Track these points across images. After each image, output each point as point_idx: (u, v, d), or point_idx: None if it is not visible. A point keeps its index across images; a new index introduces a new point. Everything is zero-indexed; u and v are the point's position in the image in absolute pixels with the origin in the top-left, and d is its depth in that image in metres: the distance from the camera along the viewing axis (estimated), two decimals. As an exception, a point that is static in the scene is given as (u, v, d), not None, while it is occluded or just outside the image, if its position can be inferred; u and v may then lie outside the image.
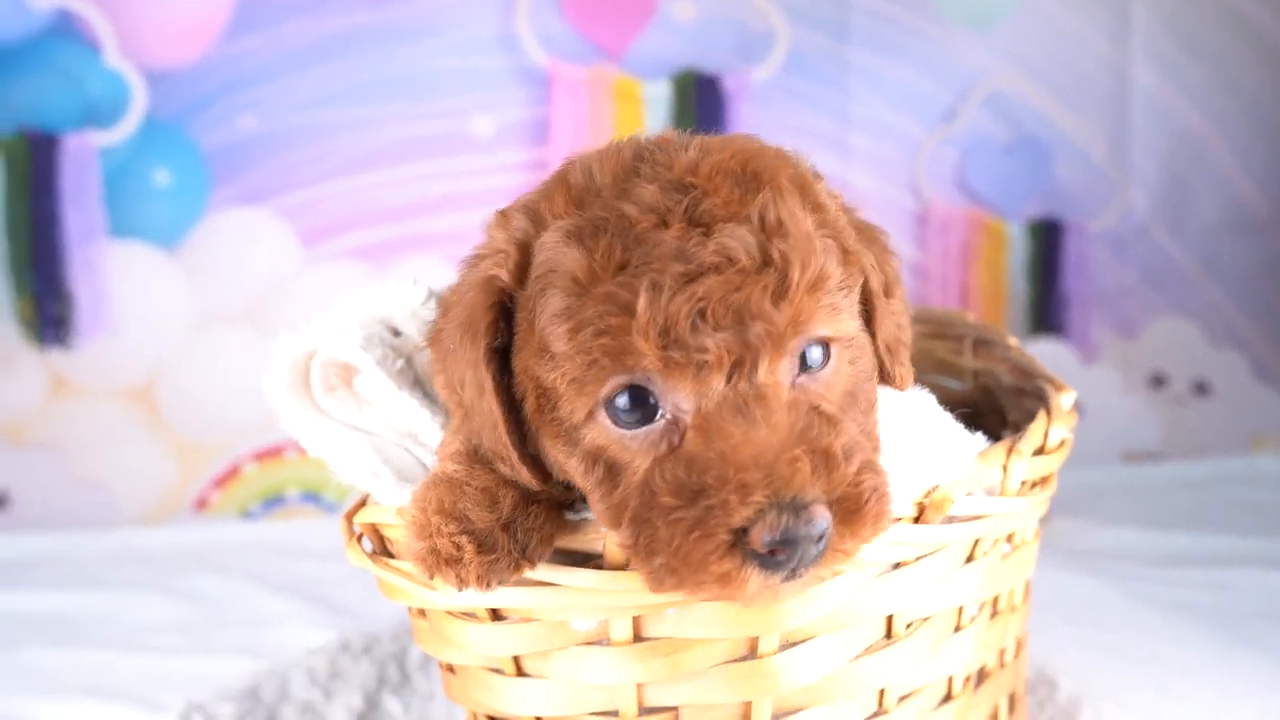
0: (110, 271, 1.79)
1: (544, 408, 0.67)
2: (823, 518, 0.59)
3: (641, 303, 0.61)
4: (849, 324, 0.66)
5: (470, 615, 0.74)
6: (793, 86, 1.94)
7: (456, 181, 1.86)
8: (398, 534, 0.73)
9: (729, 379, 0.62)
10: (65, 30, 1.74)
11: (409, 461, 0.82)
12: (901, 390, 0.73)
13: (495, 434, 0.69)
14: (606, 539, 0.68)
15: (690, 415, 0.62)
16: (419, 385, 0.82)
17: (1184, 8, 2.06)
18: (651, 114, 1.90)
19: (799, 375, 0.64)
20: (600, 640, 0.71)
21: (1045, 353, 2.01)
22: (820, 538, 0.59)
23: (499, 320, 0.68)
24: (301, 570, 1.61)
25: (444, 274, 0.78)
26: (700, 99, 1.90)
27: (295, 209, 1.84)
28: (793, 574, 0.60)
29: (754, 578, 0.60)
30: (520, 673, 0.75)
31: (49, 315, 1.77)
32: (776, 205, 0.63)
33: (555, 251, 0.64)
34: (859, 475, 0.61)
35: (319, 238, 1.85)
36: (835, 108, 1.97)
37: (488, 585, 0.67)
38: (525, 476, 0.69)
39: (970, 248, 2.04)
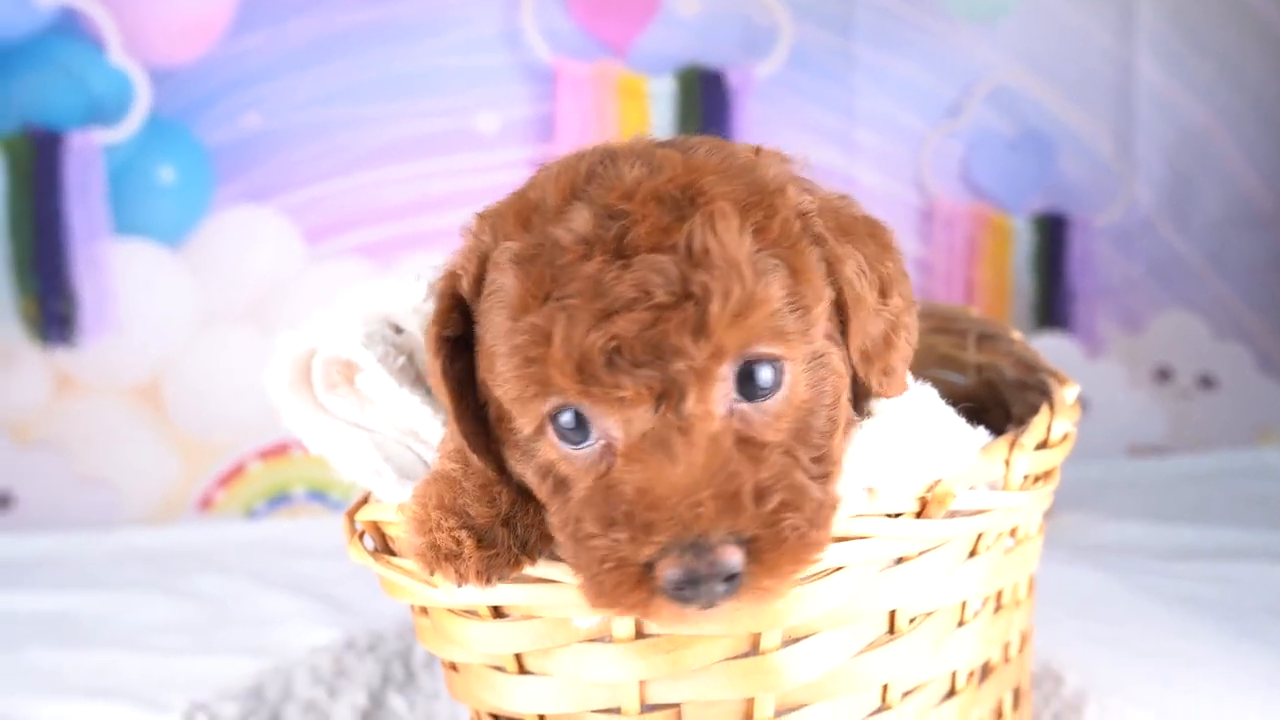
0: (114, 269, 1.79)
1: (502, 418, 0.67)
2: (729, 559, 0.58)
3: (556, 338, 0.60)
4: (802, 345, 0.64)
5: (472, 613, 0.74)
6: (797, 82, 1.94)
7: (461, 179, 1.86)
8: (399, 531, 0.73)
9: (657, 408, 0.61)
10: (69, 28, 1.74)
11: (411, 459, 0.82)
12: (889, 398, 0.71)
13: (456, 436, 0.70)
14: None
15: (620, 442, 0.62)
16: (420, 382, 0.82)
17: (1189, 2, 2.06)
18: (656, 110, 1.90)
19: (741, 401, 0.63)
20: (602, 637, 0.71)
21: (1050, 347, 2.00)
22: (730, 577, 0.59)
23: (457, 326, 0.68)
24: (306, 569, 1.61)
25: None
26: (705, 95, 1.90)
27: (299, 206, 1.84)
28: (709, 604, 0.60)
29: (665, 609, 0.60)
30: (522, 670, 0.74)
31: (53, 313, 1.77)
32: (704, 232, 0.61)
33: (498, 272, 0.65)
34: (776, 514, 0.60)
35: (323, 235, 1.85)
36: (839, 103, 1.97)
37: (488, 581, 0.67)
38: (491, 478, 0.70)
39: (975, 243, 2.04)
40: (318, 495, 1.88)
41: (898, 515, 0.71)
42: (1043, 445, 0.82)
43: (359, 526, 0.78)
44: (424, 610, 0.79)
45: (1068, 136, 2.06)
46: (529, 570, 0.69)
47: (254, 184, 1.82)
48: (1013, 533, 0.85)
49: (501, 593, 0.70)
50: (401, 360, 0.81)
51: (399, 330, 0.83)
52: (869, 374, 0.69)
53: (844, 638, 0.73)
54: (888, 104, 1.98)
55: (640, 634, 0.70)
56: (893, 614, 0.75)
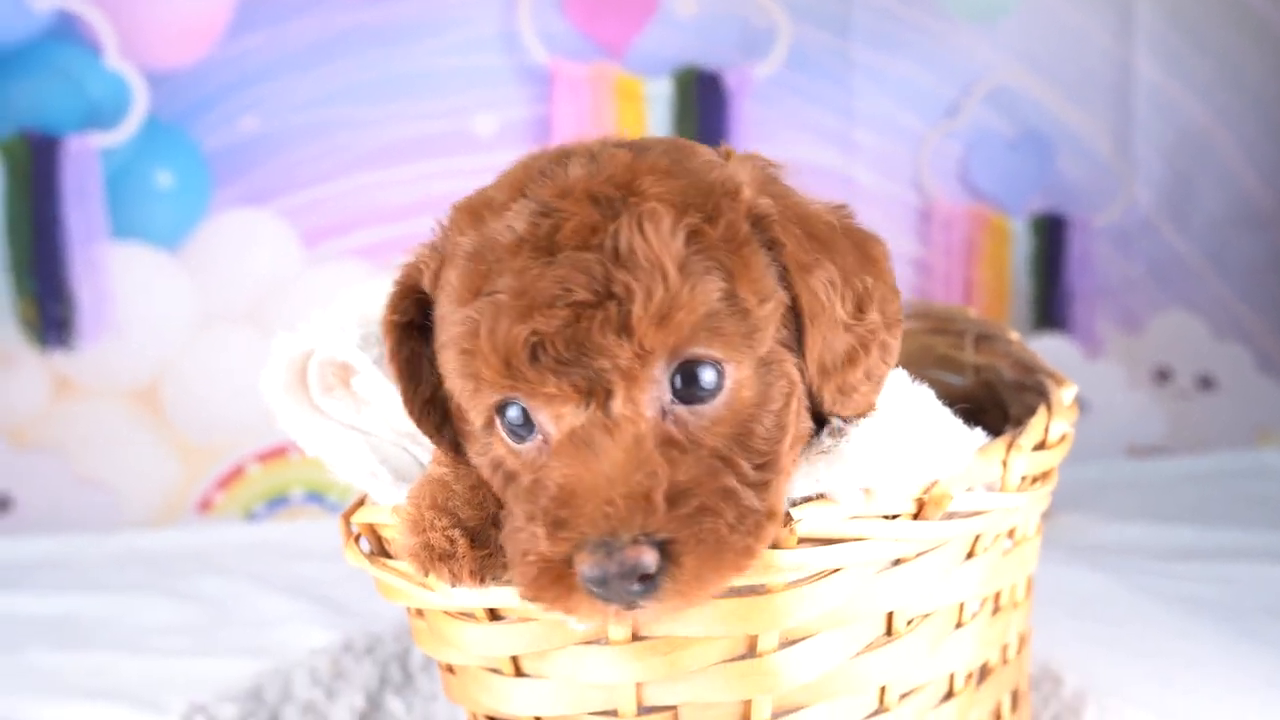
0: (112, 272, 1.79)
1: (460, 413, 0.69)
2: (640, 558, 0.58)
3: (482, 333, 0.62)
4: (744, 349, 0.63)
5: (468, 615, 0.74)
6: (795, 83, 1.94)
7: (458, 180, 1.82)
8: (394, 534, 0.73)
9: (588, 406, 0.61)
10: (66, 32, 1.74)
11: (407, 461, 0.82)
12: (843, 416, 0.69)
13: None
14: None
15: (553, 438, 0.63)
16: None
17: (1188, 1, 2.06)
18: (654, 112, 1.90)
19: (677, 404, 0.63)
20: (598, 639, 0.71)
21: (1049, 348, 2.00)
22: (644, 578, 0.59)
23: (410, 313, 0.70)
24: (305, 571, 1.61)
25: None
26: (702, 96, 1.90)
27: (297, 209, 1.84)
28: (630, 605, 0.60)
29: (584, 605, 0.61)
30: (519, 673, 0.74)
31: (51, 317, 1.77)
32: (630, 231, 0.61)
33: (448, 267, 0.66)
34: (694, 517, 0.59)
35: (321, 237, 1.85)
36: (838, 104, 1.97)
37: (481, 580, 0.68)
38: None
39: (974, 244, 2.04)
40: (316, 497, 1.88)
41: (895, 517, 0.71)
42: (1040, 446, 0.82)
43: (355, 529, 0.78)
44: (420, 613, 0.79)
45: (1067, 137, 2.06)
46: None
47: (252, 186, 1.82)
48: (1010, 534, 0.85)
49: (497, 594, 0.70)
50: (397, 362, 0.81)
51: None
52: (823, 387, 0.67)
53: (841, 639, 0.73)
54: (886, 104, 1.98)
55: (637, 636, 0.70)
56: (890, 615, 0.75)
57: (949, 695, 0.82)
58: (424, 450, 0.81)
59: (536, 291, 0.61)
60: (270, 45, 1.80)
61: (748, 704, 0.72)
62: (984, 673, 0.87)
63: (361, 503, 0.79)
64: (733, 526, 0.60)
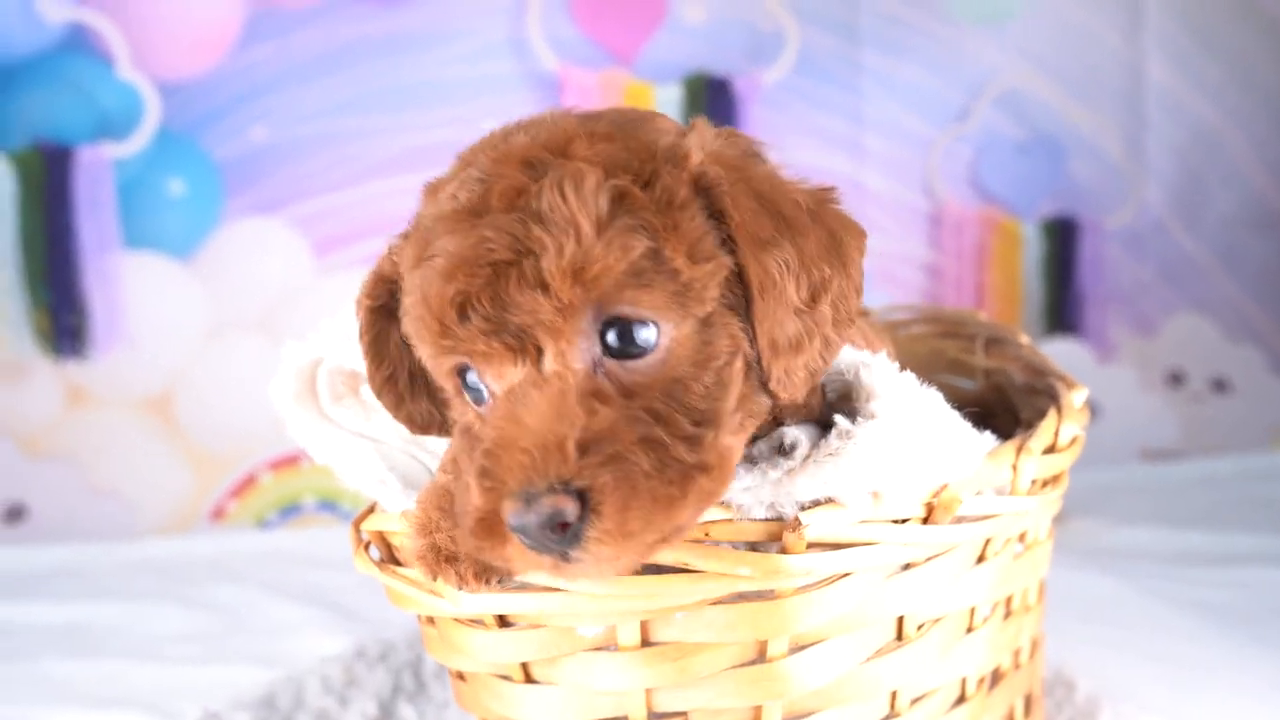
0: (125, 282, 1.80)
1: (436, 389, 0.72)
2: (557, 506, 0.59)
3: (421, 296, 0.64)
4: (677, 308, 0.63)
5: (478, 622, 0.74)
6: (804, 88, 1.94)
7: (469, 188, 1.86)
8: (404, 541, 0.73)
9: (523, 363, 0.63)
10: (78, 43, 1.75)
11: (416, 468, 0.82)
12: (780, 400, 0.68)
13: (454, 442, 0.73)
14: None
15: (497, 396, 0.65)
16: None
17: (1198, 2, 2.05)
18: (663, 118, 1.90)
19: (610, 358, 0.63)
20: (608, 645, 0.71)
21: (1061, 352, 2.00)
22: (565, 526, 0.59)
23: (382, 297, 0.74)
24: (317, 579, 1.61)
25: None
26: (711, 101, 1.90)
27: (308, 218, 1.84)
28: (564, 557, 0.60)
29: (519, 556, 0.62)
30: (529, 679, 0.74)
31: (64, 326, 1.78)
32: (551, 192, 0.62)
33: (408, 243, 0.68)
34: (605, 465, 0.60)
35: (332, 246, 1.85)
36: (847, 109, 1.97)
37: (485, 582, 0.68)
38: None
39: (985, 247, 2.04)
40: (329, 505, 1.88)
41: (904, 521, 0.71)
42: (1050, 449, 0.82)
43: (365, 536, 0.78)
44: (431, 620, 0.79)
45: (1077, 139, 2.05)
46: (533, 579, 0.68)
47: (263, 196, 1.83)
48: (1021, 538, 0.85)
49: (506, 601, 0.70)
50: (407, 370, 0.81)
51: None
52: (772, 364, 0.67)
53: (852, 644, 0.73)
54: (895, 109, 1.98)
55: (647, 642, 0.70)
56: (901, 620, 0.75)
57: (961, 700, 0.82)
58: (432, 457, 0.82)
59: (462, 253, 0.62)
60: (281, 55, 1.81)
61: (758, 709, 0.72)
62: (996, 678, 0.87)
63: (371, 510, 0.79)
64: (648, 474, 0.60)
